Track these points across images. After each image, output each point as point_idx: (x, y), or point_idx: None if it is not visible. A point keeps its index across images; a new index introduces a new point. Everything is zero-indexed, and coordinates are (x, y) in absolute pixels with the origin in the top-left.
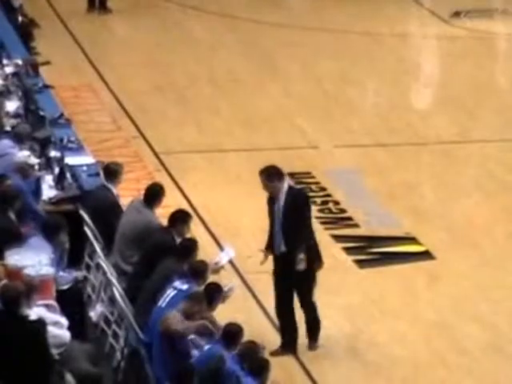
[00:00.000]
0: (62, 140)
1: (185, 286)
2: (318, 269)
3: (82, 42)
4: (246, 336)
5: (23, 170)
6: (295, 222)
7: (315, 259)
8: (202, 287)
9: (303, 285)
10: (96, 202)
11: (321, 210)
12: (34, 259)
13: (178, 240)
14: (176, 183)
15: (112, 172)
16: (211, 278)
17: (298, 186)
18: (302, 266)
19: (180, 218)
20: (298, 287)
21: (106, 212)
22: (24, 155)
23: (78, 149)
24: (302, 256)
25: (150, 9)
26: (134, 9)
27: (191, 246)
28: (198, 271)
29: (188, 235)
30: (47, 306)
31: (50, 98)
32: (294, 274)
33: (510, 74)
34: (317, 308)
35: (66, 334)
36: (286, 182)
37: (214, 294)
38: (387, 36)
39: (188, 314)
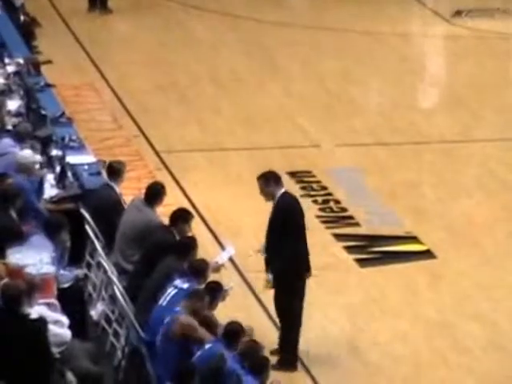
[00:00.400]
0: (63, 139)
1: (185, 285)
2: (306, 277)
3: (84, 41)
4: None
5: (28, 168)
6: (277, 230)
7: (301, 274)
8: (203, 286)
9: (282, 300)
10: (99, 200)
11: (322, 209)
12: (35, 258)
13: (181, 238)
14: (177, 182)
15: (115, 171)
16: (212, 277)
17: (294, 195)
18: (266, 287)
19: (181, 217)
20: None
21: (109, 210)
22: (28, 153)
23: (80, 147)
24: (270, 277)
25: (151, 8)
26: (136, 8)
27: (190, 243)
28: (199, 270)
29: (189, 234)
30: (48, 305)
31: (52, 97)
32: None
33: (511, 74)
34: (294, 331)
35: (66, 333)
36: (283, 189)
37: (215, 292)
38: (389, 35)
39: (190, 312)
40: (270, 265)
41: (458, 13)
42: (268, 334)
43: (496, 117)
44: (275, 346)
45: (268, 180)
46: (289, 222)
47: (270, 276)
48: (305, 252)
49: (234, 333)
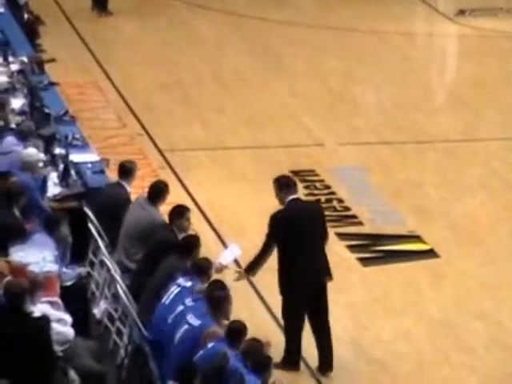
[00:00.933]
0: (66, 137)
1: (188, 283)
2: (328, 281)
3: (88, 40)
4: (250, 333)
5: (32, 166)
6: (277, 238)
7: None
8: (206, 284)
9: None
10: (108, 198)
11: (325, 208)
12: (38, 256)
13: (181, 235)
14: (180, 181)
15: (127, 170)
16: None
17: (304, 203)
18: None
19: (176, 213)
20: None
21: (119, 209)
22: (33, 151)
23: (83, 146)
24: (239, 269)
25: (156, 7)
26: (140, 7)
27: (193, 242)
28: (202, 268)
29: (190, 229)
30: (51, 303)
31: (56, 96)
32: None
33: None
34: (292, 338)
35: (69, 331)
36: (294, 195)
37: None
38: (393, 34)
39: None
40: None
41: (462, 12)
42: (271, 334)
43: (499, 116)
44: (277, 343)
45: (280, 185)
46: (287, 231)
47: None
48: (303, 263)
49: (236, 332)
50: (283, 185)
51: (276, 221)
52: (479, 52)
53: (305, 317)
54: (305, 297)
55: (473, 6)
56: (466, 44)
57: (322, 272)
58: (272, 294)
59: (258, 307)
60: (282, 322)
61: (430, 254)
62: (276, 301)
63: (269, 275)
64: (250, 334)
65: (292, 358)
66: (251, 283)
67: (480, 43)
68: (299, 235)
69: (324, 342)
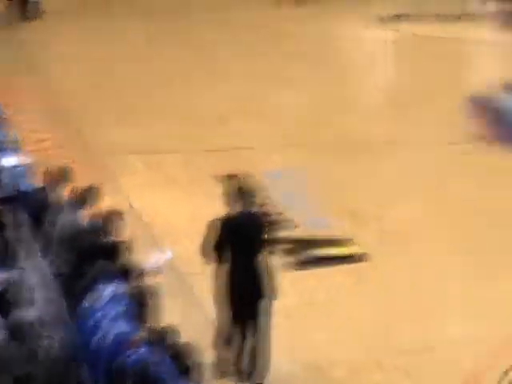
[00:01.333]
0: None
1: (116, 288)
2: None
3: (20, 41)
4: (181, 338)
5: None
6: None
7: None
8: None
9: None
10: (36, 202)
11: None
12: None
13: (111, 240)
14: (114, 184)
15: (60, 175)
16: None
17: (245, 216)
18: None
19: (108, 217)
20: None
21: (50, 213)
22: None
23: (14, 149)
24: None
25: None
26: (79, 7)
27: (123, 246)
28: (130, 272)
29: (121, 233)
30: None
31: None
32: None
33: (446, 76)
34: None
35: None
36: (244, 205)
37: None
38: (331, 39)
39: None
40: None
41: (396, 17)
42: (204, 337)
43: (433, 119)
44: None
45: (234, 194)
46: (229, 236)
47: None
48: (242, 268)
49: (163, 336)
50: (235, 194)
51: (219, 225)
52: (413, 56)
53: (245, 325)
54: (245, 305)
55: (407, 11)
56: (401, 48)
57: (262, 279)
58: (205, 296)
59: (189, 310)
60: (215, 324)
61: (362, 257)
62: (209, 304)
63: (201, 278)
64: (181, 339)
65: (228, 362)
66: (185, 286)
67: (414, 47)
68: (241, 241)
69: (253, 355)
